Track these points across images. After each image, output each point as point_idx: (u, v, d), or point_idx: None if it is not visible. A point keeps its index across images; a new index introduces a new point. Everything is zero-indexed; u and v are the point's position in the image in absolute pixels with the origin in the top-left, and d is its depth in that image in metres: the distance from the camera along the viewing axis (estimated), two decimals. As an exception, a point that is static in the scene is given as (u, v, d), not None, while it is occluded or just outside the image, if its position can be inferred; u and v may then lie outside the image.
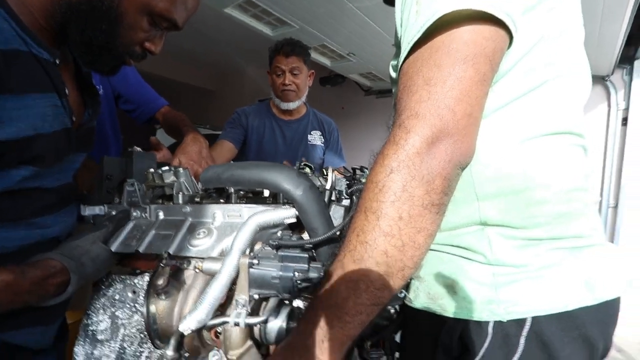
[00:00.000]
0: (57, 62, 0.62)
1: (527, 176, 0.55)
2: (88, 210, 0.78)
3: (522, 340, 0.53)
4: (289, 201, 0.63)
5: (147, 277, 0.74)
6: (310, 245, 0.59)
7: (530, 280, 0.54)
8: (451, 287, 0.59)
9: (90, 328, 0.73)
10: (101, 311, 0.74)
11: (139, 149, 0.90)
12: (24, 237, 0.62)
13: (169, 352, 0.58)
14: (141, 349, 0.73)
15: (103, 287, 0.76)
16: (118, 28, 0.63)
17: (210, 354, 0.67)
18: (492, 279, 0.55)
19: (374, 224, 0.46)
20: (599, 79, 3.13)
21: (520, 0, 0.50)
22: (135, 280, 0.75)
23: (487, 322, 0.55)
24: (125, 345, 0.73)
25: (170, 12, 0.66)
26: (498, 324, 0.54)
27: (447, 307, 0.58)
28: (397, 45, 0.59)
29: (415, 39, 0.48)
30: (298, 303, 0.65)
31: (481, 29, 0.46)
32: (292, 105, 1.95)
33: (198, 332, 0.63)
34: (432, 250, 0.62)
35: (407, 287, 0.67)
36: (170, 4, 0.65)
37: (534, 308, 0.54)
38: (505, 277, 0.55)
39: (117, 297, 0.75)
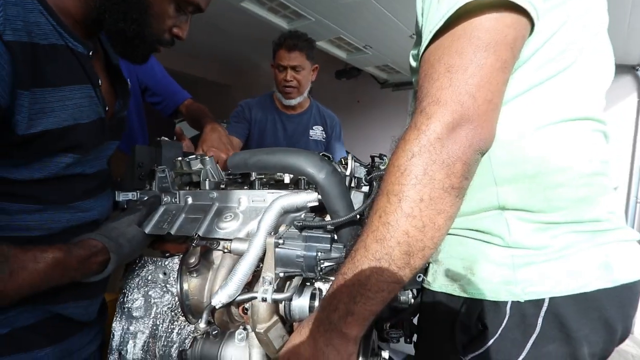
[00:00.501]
0: (90, 54, 0.66)
1: (545, 161, 0.55)
2: (122, 196, 0.83)
3: (540, 320, 0.55)
4: (312, 185, 0.66)
5: (176, 260, 0.79)
6: (332, 227, 0.62)
7: (548, 262, 0.55)
8: (470, 269, 0.60)
9: (126, 306, 0.78)
10: (135, 290, 0.79)
11: (166, 138, 0.95)
12: (68, 219, 0.67)
13: (201, 325, 0.63)
14: (172, 326, 0.78)
15: (136, 268, 0.81)
16: (148, 17, 0.67)
17: (237, 332, 0.71)
18: (511, 261, 0.57)
19: (396, 205, 0.47)
20: (629, 69, 3.02)
21: None
22: (166, 263, 0.80)
23: (505, 302, 0.56)
24: (157, 322, 0.78)
25: None
26: (516, 304, 0.56)
27: (466, 288, 0.60)
28: (418, 34, 0.60)
29: (437, 27, 0.49)
30: (319, 285, 0.68)
31: (503, 17, 0.47)
32: (293, 102, 1.94)
33: (227, 308, 0.67)
34: (451, 234, 0.64)
35: (425, 271, 0.69)
36: None
37: (551, 289, 0.55)
38: (523, 258, 0.56)
39: (149, 277, 0.80)
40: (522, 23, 0.49)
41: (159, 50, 0.75)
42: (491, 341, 0.58)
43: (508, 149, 0.57)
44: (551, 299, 0.55)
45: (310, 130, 2.06)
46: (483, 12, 0.47)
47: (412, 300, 0.75)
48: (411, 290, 0.73)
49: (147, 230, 0.76)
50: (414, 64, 0.66)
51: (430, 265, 0.67)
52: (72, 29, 0.62)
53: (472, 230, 0.61)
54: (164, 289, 0.79)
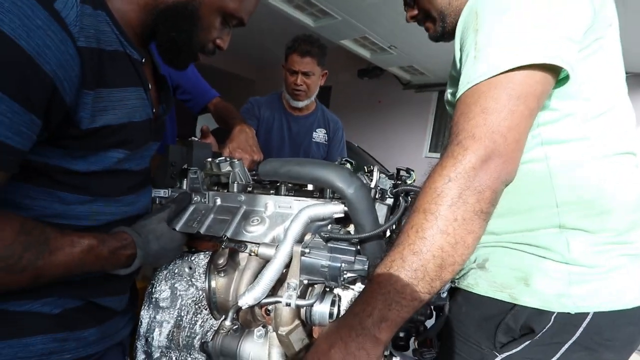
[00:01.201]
0: (143, 61, 0.72)
1: (601, 188, 0.64)
2: (154, 193, 0.87)
3: (580, 330, 0.63)
4: (339, 197, 0.68)
5: (202, 256, 0.83)
6: (357, 240, 0.64)
7: (599, 281, 0.63)
8: (524, 279, 0.67)
9: (154, 296, 0.83)
10: (163, 282, 0.84)
11: (197, 139, 0.99)
12: (113, 212, 0.72)
13: (227, 322, 0.66)
14: (195, 318, 0.82)
15: (165, 261, 0.85)
16: (197, 29, 0.73)
17: (256, 330, 0.75)
18: (567, 277, 0.64)
19: (432, 222, 0.53)
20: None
21: (575, 47, 0.59)
22: (192, 258, 0.84)
23: (552, 312, 0.64)
24: (182, 313, 0.82)
25: (239, 11, 0.76)
26: (562, 314, 0.63)
27: (517, 296, 0.67)
28: (456, 74, 0.68)
29: (478, 81, 0.57)
30: (338, 291, 0.71)
31: (534, 74, 0.56)
32: (300, 104, 1.97)
33: (251, 308, 0.71)
34: (502, 246, 0.71)
35: (453, 282, 0.77)
36: (238, 4, 0.75)
37: (598, 305, 0.63)
38: (579, 276, 0.63)
39: (176, 270, 0.84)
40: (549, 79, 0.57)
41: (198, 59, 0.80)
42: (527, 342, 0.66)
43: (570, 175, 0.65)
44: (595, 313, 0.62)
45: (314, 133, 2.09)
46: (519, 68, 0.55)
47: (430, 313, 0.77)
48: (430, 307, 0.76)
49: (178, 227, 0.80)
50: (450, 98, 0.76)
51: (473, 270, 0.74)
52: (131, 37, 0.69)
53: (530, 245, 0.67)
54: (189, 283, 0.83)
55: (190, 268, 0.85)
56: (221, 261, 0.69)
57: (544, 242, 0.66)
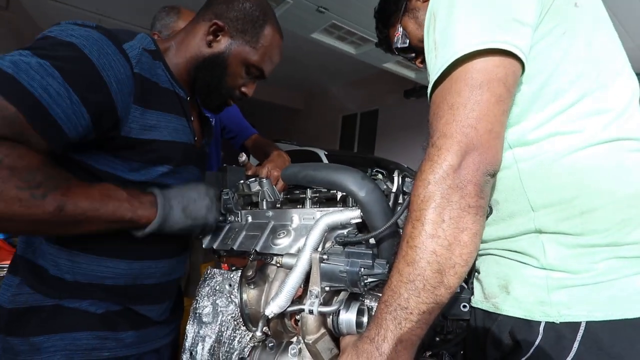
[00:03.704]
0: (188, 99, 0.89)
1: (581, 185, 0.57)
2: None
3: (576, 344, 0.54)
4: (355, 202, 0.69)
5: (240, 273, 0.87)
6: (374, 242, 0.64)
7: (585, 287, 0.55)
8: (505, 287, 0.61)
9: (198, 311, 0.88)
10: (205, 298, 0.89)
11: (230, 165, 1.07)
12: None
13: (258, 333, 0.69)
14: (234, 334, 0.86)
15: (207, 278, 0.91)
16: (225, 75, 0.90)
17: (290, 347, 0.75)
18: (545, 282, 0.57)
19: (420, 229, 0.52)
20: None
21: (525, 31, 0.55)
22: (232, 275, 0.89)
23: (538, 322, 0.57)
24: (222, 329, 0.86)
25: (260, 63, 0.92)
26: (550, 325, 0.56)
27: (500, 306, 0.61)
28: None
29: (436, 77, 0.57)
30: (369, 302, 0.70)
31: (491, 59, 0.54)
32: None
33: (281, 319, 0.72)
34: (489, 253, 0.66)
35: (469, 300, 0.69)
36: (260, 57, 0.91)
37: (588, 313, 0.54)
38: (559, 281, 0.57)
39: (217, 287, 0.90)
40: (509, 62, 0.54)
41: (229, 104, 0.97)
42: (523, 359, 0.58)
43: (540, 177, 0.59)
44: (589, 322, 0.54)
45: None
46: (474, 57, 0.54)
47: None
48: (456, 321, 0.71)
49: (215, 245, 0.86)
50: None
51: (475, 282, 0.68)
52: (180, 81, 0.87)
53: (509, 250, 0.62)
54: (229, 299, 0.87)
55: (230, 285, 0.89)
56: (250, 273, 0.72)
57: (521, 246, 0.61)
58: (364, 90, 7.11)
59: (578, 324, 0.54)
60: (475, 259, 0.62)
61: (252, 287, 0.76)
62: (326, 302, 0.66)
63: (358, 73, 6.45)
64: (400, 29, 0.96)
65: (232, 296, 0.87)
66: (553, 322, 0.56)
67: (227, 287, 0.89)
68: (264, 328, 0.70)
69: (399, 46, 0.97)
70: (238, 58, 0.89)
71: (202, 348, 0.85)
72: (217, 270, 0.92)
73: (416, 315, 0.52)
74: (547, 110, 0.59)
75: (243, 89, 0.94)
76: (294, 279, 0.66)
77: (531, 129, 0.59)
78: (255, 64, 0.90)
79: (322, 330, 0.67)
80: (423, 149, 0.57)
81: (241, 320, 0.84)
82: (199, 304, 0.89)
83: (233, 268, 0.91)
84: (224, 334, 0.85)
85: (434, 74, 0.58)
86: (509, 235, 0.62)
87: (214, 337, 0.86)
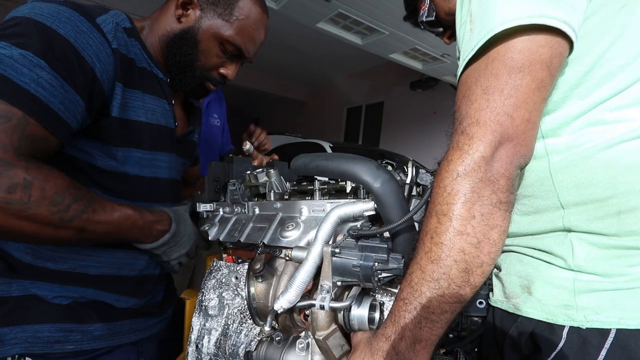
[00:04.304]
0: (168, 80, 0.85)
1: (616, 182, 0.51)
2: (202, 207, 0.93)
3: (604, 352, 0.50)
4: (368, 193, 0.66)
5: (246, 265, 0.85)
6: (388, 235, 0.61)
7: (618, 292, 0.51)
8: (527, 287, 0.57)
9: (204, 304, 0.86)
10: (212, 291, 0.87)
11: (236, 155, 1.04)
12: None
13: (266, 327, 0.66)
14: (241, 327, 0.84)
15: (213, 270, 0.89)
16: (197, 52, 0.83)
17: (298, 341, 0.73)
18: (572, 285, 0.53)
19: (447, 225, 0.48)
20: None
21: (579, 4, 0.49)
22: (238, 268, 0.87)
23: (561, 327, 0.53)
24: (229, 322, 0.85)
25: (235, 38, 0.83)
26: (575, 329, 0.52)
27: (521, 307, 0.57)
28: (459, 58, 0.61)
29: (471, 55, 0.51)
30: (380, 297, 0.67)
31: (535, 37, 0.47)
32: None
33: (289, 313, 0.70)
34: (512, 251, 0.62)
35: (486, 297, 0.66)
36: (235, 32, 0.83)
37: (619, 320, 0.50)
38: (588, 284, 0.52)
39: (223, 280, 0.88)
40: (557, 41, 0.48)
41: (209, 88, 0.89)
42: None
43: (571, 172, 0.54)
44: (619, 330, 0.49)
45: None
46: (515, 35, 0.48)
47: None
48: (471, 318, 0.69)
49: (222, 237, 0.84)
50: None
51: (493, 279, 0.65)
52: (158, 62, 0.83)
53: (534, 249, 0.58)
54: (236, 292, 0.85)
55: (237, 278, 0.87)
56: (257, 266, 0.70)
57: (548, 245, 0.56)
58: (370, 82, 7.03)
59: (607, 330, 0.50)
60: None
61: (260, 280, 0.73)
62: (337, 297, 0.64)
63: (363, 64, 6.37)
64: (427, 0, 0.87)
65: (238, 289, 0.85)
66: (578, 327, 0.52)
67: (233, 279, 0.87)
68: (272, 322, 0.68)
69: (424, 19, 0.88)
70: (209, 32, 0.81)
71: (208, 341, 0.83)
72: (223, 262, 0.89)
73: (438, 315, 0.49)
74: (592, 97, 0.52)
75: (222, 70, 0.87)
76: (305, 273, 0.63)
77: (570, 118, 0.53)
78: (229, 39, 0.82)
79: (333, 326, 0.64)
80: (446, 134, 0.53)
81: (248, 313, 0.82)
82: (205, 296, 0.87)
83: (239, 260, 0.89)
84: (230, 327, 0.83)
85: (467, 50, 0.51)
86: (533, 232, 0.58)
87: (220, 329, 0.84)
